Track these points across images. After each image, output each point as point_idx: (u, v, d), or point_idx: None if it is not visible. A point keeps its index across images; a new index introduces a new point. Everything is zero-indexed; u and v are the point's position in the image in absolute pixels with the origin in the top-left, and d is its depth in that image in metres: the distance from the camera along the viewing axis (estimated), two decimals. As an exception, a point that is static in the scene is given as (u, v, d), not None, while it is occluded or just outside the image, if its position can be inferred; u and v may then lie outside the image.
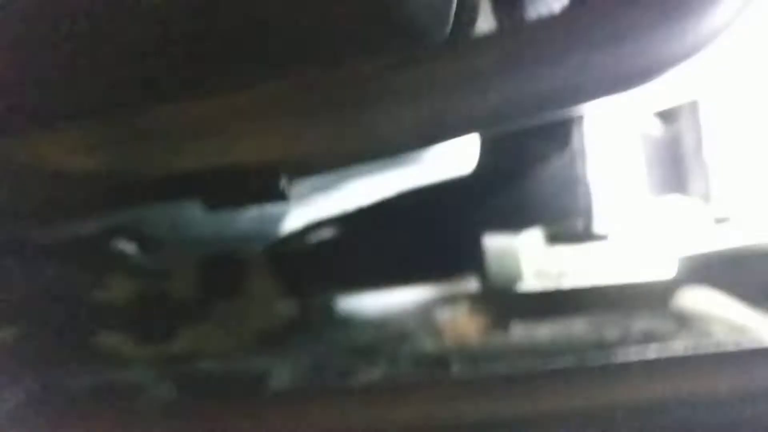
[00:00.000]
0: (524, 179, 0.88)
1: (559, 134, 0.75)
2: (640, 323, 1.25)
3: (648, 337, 1.19)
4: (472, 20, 0.49)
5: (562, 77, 0.43)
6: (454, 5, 0.46)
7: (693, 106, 0.71)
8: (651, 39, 0.44)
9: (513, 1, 0.63)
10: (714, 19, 0.47)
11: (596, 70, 0.43)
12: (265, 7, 0.40)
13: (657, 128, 0.74)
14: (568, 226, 0.86)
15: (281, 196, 0.47)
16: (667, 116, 0.74)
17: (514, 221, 0.96)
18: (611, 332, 1.28)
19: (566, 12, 0.47)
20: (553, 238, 0.93)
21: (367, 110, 0.44)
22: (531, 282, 1.03)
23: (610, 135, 0.74)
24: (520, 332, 1.37)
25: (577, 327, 1.34)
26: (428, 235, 1.22)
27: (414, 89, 0.45)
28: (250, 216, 0.63)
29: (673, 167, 0.73)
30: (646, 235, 0.79)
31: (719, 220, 0.73)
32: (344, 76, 0.45)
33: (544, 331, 1.38)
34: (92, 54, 0.42)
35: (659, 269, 0.86)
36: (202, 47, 0.42)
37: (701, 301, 1.12)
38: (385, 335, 1.43)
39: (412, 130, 0.45)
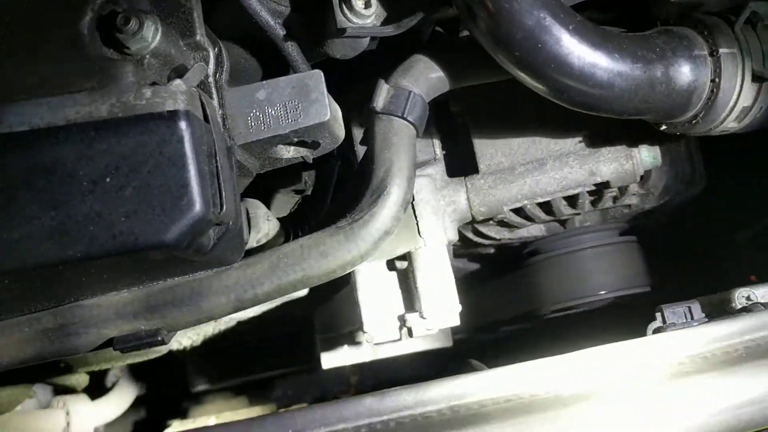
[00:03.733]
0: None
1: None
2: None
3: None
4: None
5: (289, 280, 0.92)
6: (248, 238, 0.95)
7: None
8: (334, 256, 0.93)
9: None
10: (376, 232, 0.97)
11: (299, 276, 0.93)
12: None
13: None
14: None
15: (163, 343, 0.93)
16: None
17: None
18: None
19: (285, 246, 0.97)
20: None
21: (201, 301, 0.91)
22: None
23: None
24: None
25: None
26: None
27: (225, 287, 0.92)
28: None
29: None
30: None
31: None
32: (186, 282, 0.92)
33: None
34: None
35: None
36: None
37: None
38: None
39: (228, 308, 0.93)
